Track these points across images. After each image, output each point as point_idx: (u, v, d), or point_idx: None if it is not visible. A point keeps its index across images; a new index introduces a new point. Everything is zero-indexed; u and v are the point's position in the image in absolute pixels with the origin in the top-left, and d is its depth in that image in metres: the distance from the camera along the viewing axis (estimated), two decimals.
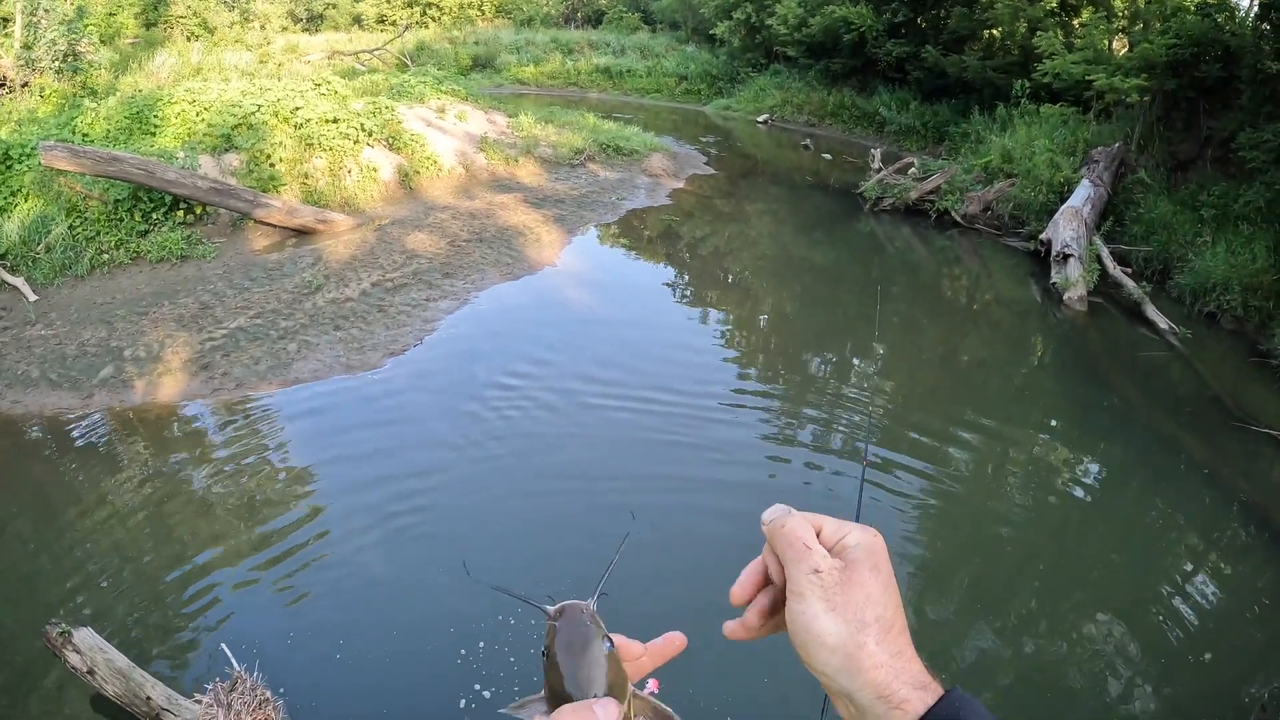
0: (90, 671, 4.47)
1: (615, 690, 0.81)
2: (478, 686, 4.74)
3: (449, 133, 16.18)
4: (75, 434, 7.34)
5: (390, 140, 14.41)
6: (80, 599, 5.49)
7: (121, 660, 4.53)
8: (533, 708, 0.84)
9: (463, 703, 4.69)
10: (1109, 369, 10.12)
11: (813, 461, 7.76)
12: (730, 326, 11.24)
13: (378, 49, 27.58)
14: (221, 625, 5.37)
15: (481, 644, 5.03)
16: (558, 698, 0.80)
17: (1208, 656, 5.69)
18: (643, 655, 0.90)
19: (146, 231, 10.99)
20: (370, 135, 14.00)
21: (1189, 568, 6.66)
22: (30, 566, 5.80)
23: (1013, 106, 17.70)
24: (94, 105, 13.40)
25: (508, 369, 8.78)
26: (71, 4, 18.85)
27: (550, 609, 0.85)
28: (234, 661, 4.25)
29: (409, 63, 26.48)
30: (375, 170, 13.70)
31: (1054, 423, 8.94)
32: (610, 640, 0.83)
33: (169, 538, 6.08)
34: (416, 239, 11.95)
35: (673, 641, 0.92)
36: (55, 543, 5.98)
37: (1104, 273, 11.99)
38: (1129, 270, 12.09)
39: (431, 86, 18.57)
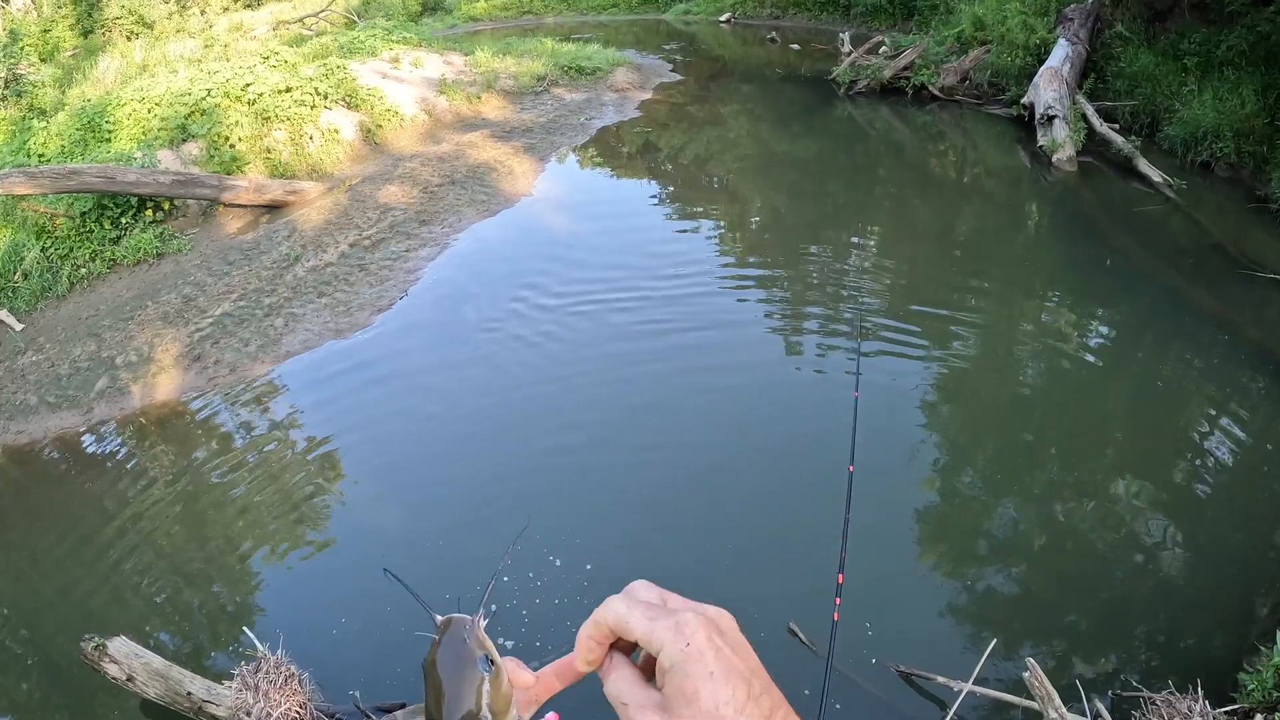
0: (130, 679, 4.47)
1: (493, 715, 0.76)
2: (499, 639, 4.70)
3: (407, 81, 15.75)
4: (82, 450, 7.35)
5: (348, 99, 14.04)
6: (116, 606, 5.53)
7: (158, 661, 4.53)
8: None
9: None
10: (1107, 227, 9.89)
11: (814, 344, 7.82)
12: (720, 227, 11.03)
13: (323, 11, 26.84)
14: (252, 607, 5.42)
15: (494, 606, 4.96)
16: (429, 715, 0.77)
17: (1234, 507, 5.63)
18: (533, 683, 0.84)
19: (119, 238, 10.78)
20: (326, 98, 13.63)
21: (1208, 420, 6.56)
22: (67, 583, 5.83)
23: None
24: (44, 124, 13.14)
25: (496, 304, 8.69)
26: (3, 29, 18.43)
27: (438, 619, 0.82)
28: (257, 644, 4.20)
29: (357, 19, 25.78)
30: (337, 132, 13.37)
31: (1058, 287, 8.78)
32: (493, 662, 0.78)
33: (189, 531, 6.10)
34: (388, 192, 11.71)
35: (570, 667, 0.81)
36: (84, 556, 6.00)
37: (1091, 131, 11.70)
38: (1116, 126, 11.78)
39: (382, 38, 18.07)
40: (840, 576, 2.75)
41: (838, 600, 2.52)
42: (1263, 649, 4.07)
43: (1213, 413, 6.65)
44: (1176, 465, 6.04)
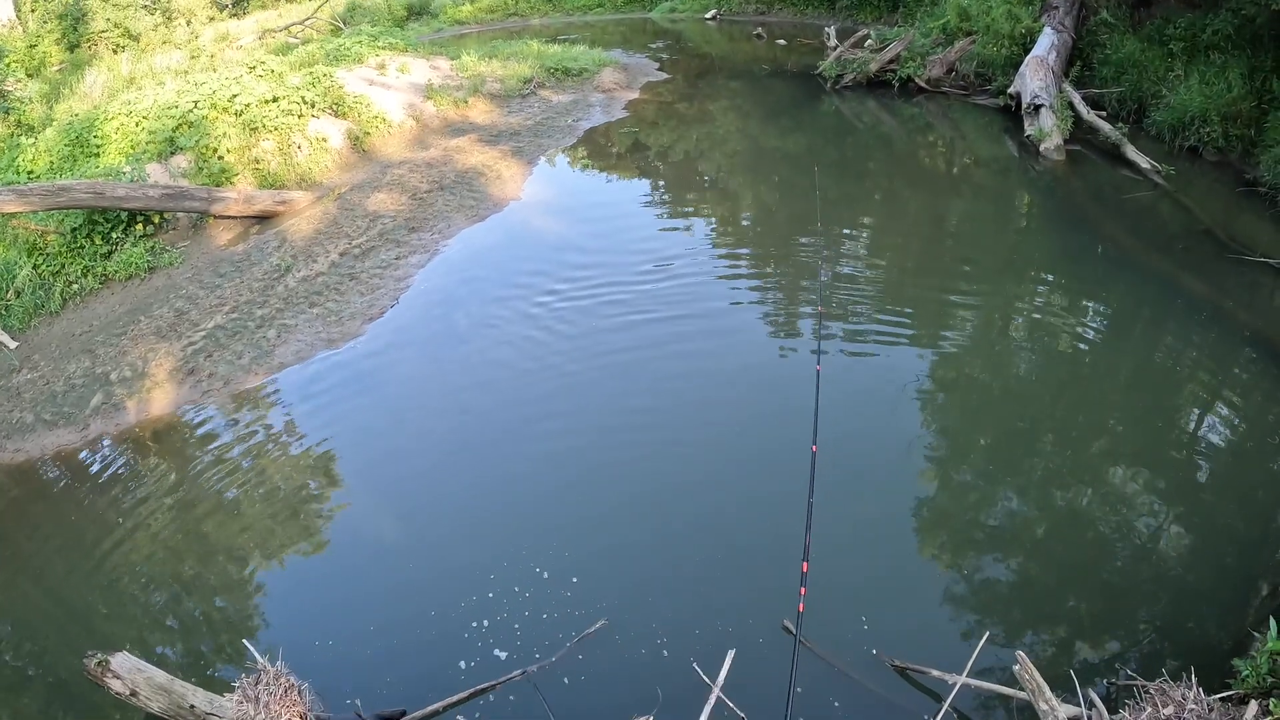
0: (133, 694, 4.48)
1: None
2: (495, 651, 4.73)
3: (393, 87, 15.75)
4: (80, 466, 7.32)
5: (335, 107, 14.04)
6: (119, 621, 5.56)
7: (161, 676, 4.53)
8: None
9: (463, 663, 4.71)
10: (1096, 215, 9.91)
11: (807, 338, 7.76)
12: (710, 223, 11.03)
13: (308, 19, 26.80)
14: (252, 618, 5.46)
15: (486, 621, 5.01)
16: None
17: (1228, 494, 5.66)
18: None
19: (110, 253, 10.77)
20: (313, 106, 13.62)
21: (1201, 405, 6.61)
22: (69, 600, 5.84)
23: None
24: (32, 141, 13.11)
25: (487, 310, 8.71)
26: None
27: None
28: (256, 655, 4.21)
29: (342, 26, 25.76)
30: (325, 140, 13.36)
31: (1049, 275, 8.80)
32: None
33: (187, 544, 6.11)
34: (377, 199, 11.71)
35: None
36: (85, 572, 6.01)
37: (1078, 119, 11.76)
38: (1103, 113, 11.83)
39: (368, 45, 18.10)
40: (805, 565, 2.77)
41: (802, 590, 2.55)
42: (1256, 636, 4.10)
43: (1206, 398, 6.68)
44: (1170, 452, 6.07)
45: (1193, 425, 6.34)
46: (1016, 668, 3.68)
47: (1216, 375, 6.95)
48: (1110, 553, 5.17)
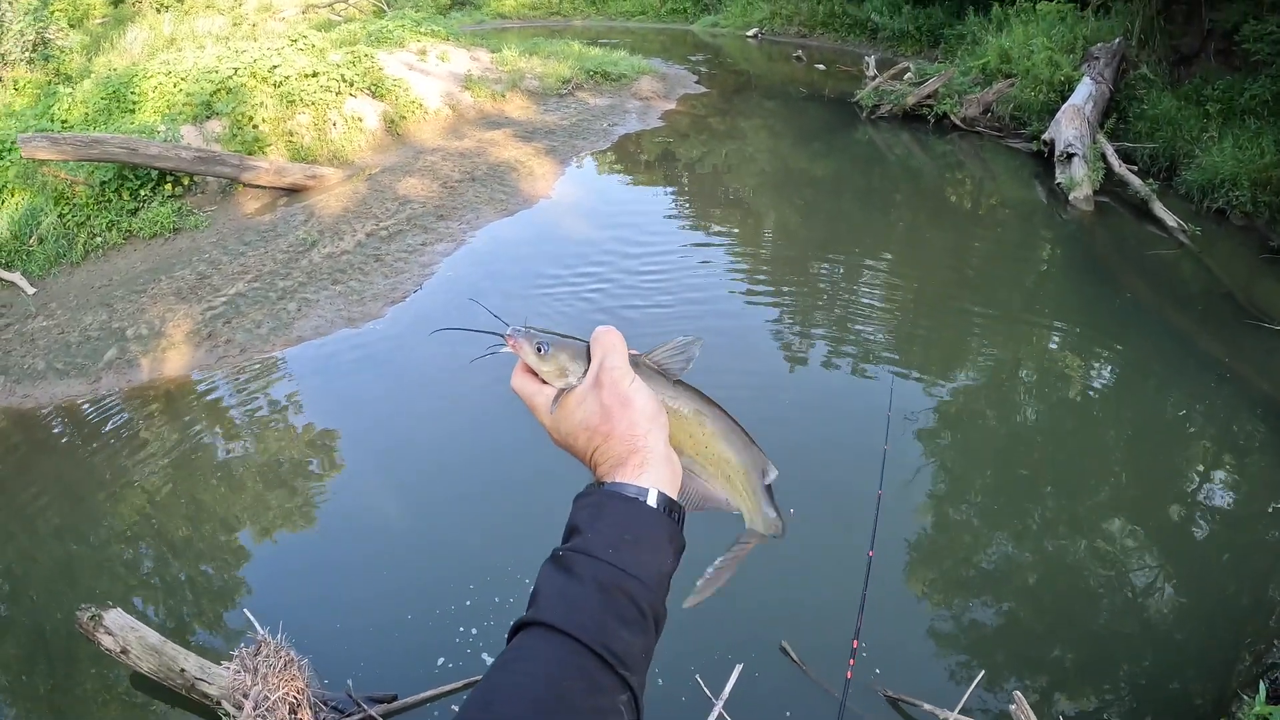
0: (124, 651, 4.47)
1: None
2: (484, 657, 4.74)
3: (432, 74, 15.82)
4: (88, 419, 7.31)
5: (373, 88, 14.09)
6: (110, 579, 5.55)
7: (153, 636, 4.53)
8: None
9: (456, 660, 4.72)
10: (1118, 268, 9.93)
11: (817, 362, 7.89)
12: (734, 243, 11.07)
13: None
14: (247, 589, 5.44)
15: (484, 618, 5.01)
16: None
17: (1228, 553, 5.67)
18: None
19: (136, 209, 10.80)
20: (352, 85, 13.68)
21: (1207, 464, 6.61)
22: (60, 553, 5.85)
23: (1008, 5, 17.07)
24: (69, 91, 13.13)
25: (509, 305, 8.66)
26: None
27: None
28: (257, 626, 4.21)
29: (386, 8, 25.92)
30: (360, 120, 13.43)
31: (1065, 323, 8.80)
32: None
33: (189, 509, 6.11)
34: (408, 184, 11.75)
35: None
36: (81, 526, 6.02)
37: (1109, 171, 11.74)
38: (1135, 168, 11.84)
39: (410, 29, 18.14)
40: (855, 642, 2.85)
41: (851, 661, 2.62)
42: (1245, 697, 4.10)
43: (1213, 457, 6.71)
44: (1172, 508, 6.09)
45: (1195, 484, 6.36)
46: (1012, 707, 3.69)
47: (1223, 436, 6.97)
48: (1105, 605, 5.18)
